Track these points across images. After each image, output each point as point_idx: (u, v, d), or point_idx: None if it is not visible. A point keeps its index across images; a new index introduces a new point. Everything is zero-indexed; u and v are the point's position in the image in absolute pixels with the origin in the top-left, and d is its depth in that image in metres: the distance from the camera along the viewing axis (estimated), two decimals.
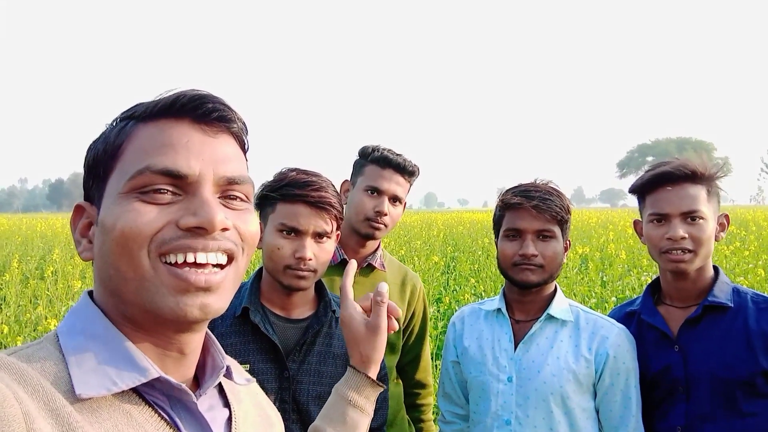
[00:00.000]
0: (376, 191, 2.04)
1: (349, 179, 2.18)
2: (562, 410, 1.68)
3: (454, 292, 8.99)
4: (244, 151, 0.82)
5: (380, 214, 2.02)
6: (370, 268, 2.13)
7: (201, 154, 0.73)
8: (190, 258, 0.70)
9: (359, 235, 2.08)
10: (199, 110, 0.75)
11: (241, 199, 0.77)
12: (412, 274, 2.25)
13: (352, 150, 2.18)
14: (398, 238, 15.95)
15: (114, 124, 0.78)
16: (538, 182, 1.81)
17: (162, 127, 0.74)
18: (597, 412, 1.72)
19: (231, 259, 0.74)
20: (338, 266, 2.07)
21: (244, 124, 0.81)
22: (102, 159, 0.75)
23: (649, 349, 1.77)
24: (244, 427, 0.84)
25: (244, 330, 1.55)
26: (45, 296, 7.77)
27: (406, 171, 2.07)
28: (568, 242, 1.82)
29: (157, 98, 0.76)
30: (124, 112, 0.78)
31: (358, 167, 2.13)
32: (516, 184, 1.82)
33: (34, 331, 6.25)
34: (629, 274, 9.27)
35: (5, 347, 5.34)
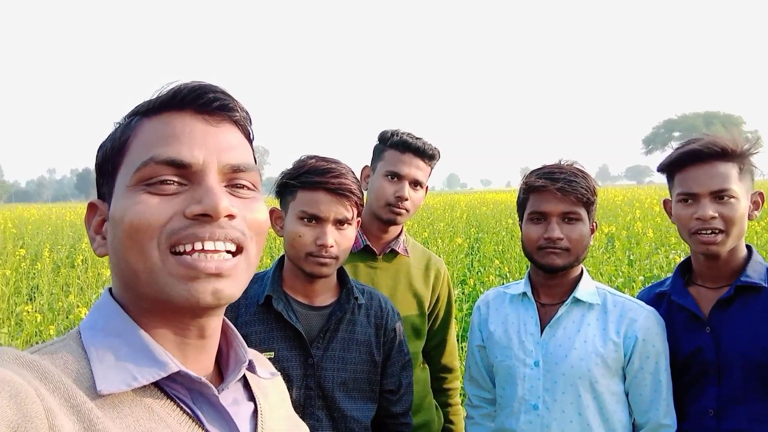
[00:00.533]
0: (396, 176, 2.02)
1: (369, 165, 2.16)
2: (591, 394, 1.65)
3: (479, 274, 8.95)
4: (249, 141, 0.82)
5: (401, 199, 2.00)
6: (394, 253, 2.11)
7: (204, 143, 0.74)
8: (198, 246, 0.70)
9: (381, 221, 2.06)
10: (200, 100, 0.75)
11: (248, 188, 0.77)
12: (436, 259, 2.24)
13: (373, 135, 2.16)
14: (421, 220, 15.91)
15: (120, 122, 0.79)
16: (562, 163, 1.77)
17: (165, 119, 0.75)
18: (627, 395, 1.70)
19: (240, 248, 0.74)
20: (361, 252, 2.07)
21: (246, 113, 0.81)
22: (110, 156, 0.77)
23: (679, 331, 1.73)
24: (270, 420, 0.84)
25: (268, 318, 1.56)
26: (76, 284, 7.92)
27: (426, 154, 2.05)
28: (594, 224, 1.78)
29: (159, 92, 0.76)
30: (131, 110, 0.79)
31: (377, 152, 2.11)
32: (540, 166, 1.79)
33: (66, 318, 6.38)
34: (657, 252, 9.14)
35: (40, 335, 5.48)
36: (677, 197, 1.72)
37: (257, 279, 1.65)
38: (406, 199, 2.01)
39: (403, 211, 2.02)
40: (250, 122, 0.82)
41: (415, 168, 2.03)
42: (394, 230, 2.12)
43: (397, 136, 2.04)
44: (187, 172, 0.72)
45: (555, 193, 1.67)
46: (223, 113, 0.77)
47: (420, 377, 2.12)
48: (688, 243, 1.73)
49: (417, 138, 2.04)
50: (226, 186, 0.75)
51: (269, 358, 1.50)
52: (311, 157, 1.61)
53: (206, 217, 0.70)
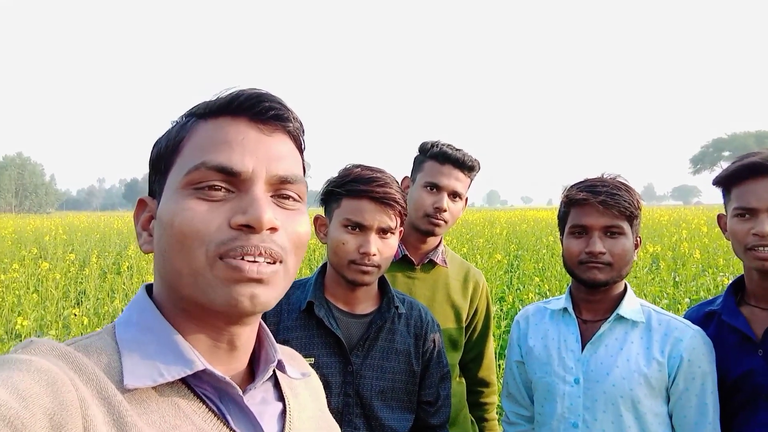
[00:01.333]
0: (435, 187, 2.02)
1: (409, 176, 2.16)
2: (633, 415, 1.61)
3: (518, 291, 8.84)
4: (301, 151, 0.83)
5: (439, 210, 2.00)
6: (432, 264, 2.11)
7: (256, 151, 0.74)
8: (240, 257, 0.71)
9: (419, 232, 2.06)
10: (256, 108, 0.76)
11: (294, 199, 0.78)
12: (475, 271, 2.22)
13: (415, 148, 2.16)
14: (461, 236, 15.83)
15: (177, 121, 0.81)
16: (605, 177, 1.74)
17: (219, 124, 0.76)
18: (671, 417, 1.64)
19: (277, 261, 0.75)
20: (400, 262, 2.07)
21: (300, 123, 0.81)
22: (164, 154, 0.78)
23: (729, 353, 1.66)
24: (299, 420, 0.84)
25: (309, 324, 1.58)
26: (121, 290, 8.14)
27: (466, 166, 2.04)
28: (638, 239, 1.74)
29: (216, 96, 0.78)
30: (188, 110, 0.81)
31: (417, 163, 2.12)
32: (582, 179, 1.76)
33: (111, 323, 6.56)
34: (704, 274, 8.88)
35: None
36: (733, 211, 1.66)
37: (299, 285, 1.67)
38: (445, 210, 2.01)
39: (442, 222, 2.02)
40: (303, 133, 0.83)
41: (455, 179, 2.02)
42: (432, 241, 2.12)
43: (436, 147, 2.04)
44: (235, 180, 0.73)
45: (597, 206, 1.64)
46: (278, 123, 0.78)
47: (456, 390, 2.10)
48: (742, 259, 1.67)
49: (457, 149, 2.04)
50: (272, 195, 0.75)
51: (309, 364, 1.52)
52: (357, 166, 1.62)
53: (249, 228, 0.71)
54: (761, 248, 1.59)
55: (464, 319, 2.12)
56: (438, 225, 2.02)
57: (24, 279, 8.17)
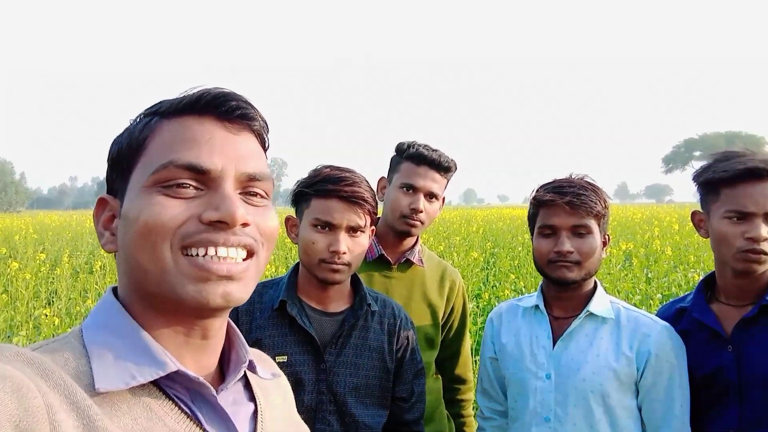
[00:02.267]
0: (411, 188, 2.03)
1: (385, 176, 2.17)
2: (603, 408, 1.64)
3: (494, 288, 8.91)
4: (265, 149, 0.84)
5: (416, 211, 2.01)
6: (408, 263, 2.12)
7: (223, 150, 0.75)
8: (211, 251, 0.71)
9: (396, 232, 2.07)
10: (223, 107, 0.76)
11: (261, 196, 0.79)
12: (451, 270, 2.24)
13: (391, 147, 2.17)
14: (437, 234, 15.89)
15: (138, 119, 0.80)
16: (572, 177, 1.77)
17: (186, 123, 0.76)
18: (640, 411, 1.68)
19: (251, 254, 0.76)
20: (376, 262, 2.09)
21: (265, 122, 0.82)
22: (126, 153, 0.77)
23: (699, 349, 1.69)
24: (270, 420, 0.84)
25: (282, 323, 1.58)
26: (94, 290, 8.02)
27: (442, 167, 2.05)
28: (606, 237, 1.77)
29: (182, 95, 0.77)
30: (148, 108, 0.80)
31: (393, 164, 2.13)
32: (550, 180, 1.79)
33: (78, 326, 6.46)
34: (675, 270, 9.04)
35: None
36: (725, 213, 1.64)
37: (272, 284, 1.67)
38: (421, 212, 2.02)
39: (418, 222, 2.03)
40: (268, 131, 0.84)
41: (431, 180, 2.03)
42: (409, 241, 2.13)
43: (413, 148, 2.05)
44: (204, 178, 0.73)
45: (564, 206, 1.67)
46: (244, 122, 0.78)
47: (432, 387, 2.11)
48: (725, 259, 1.66)
49: (433, 150, 2.05)
50: (240, 193, 0.76)
51: (282, 362, 1.52)
52: (326, 167, 1.64)
53: (222, 224, 0.71)
54: (753, 252, 1.59)
55: (440, 318, 2.14)
56: (414, 226, 2.03)
57: None
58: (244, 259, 0.74)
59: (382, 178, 2.18)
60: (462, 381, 2.29)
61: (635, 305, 6.59)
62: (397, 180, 2.07)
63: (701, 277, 1.84)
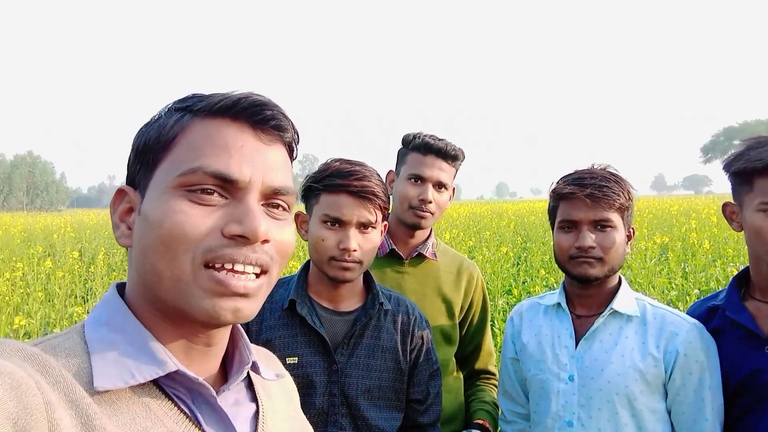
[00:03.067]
0: (419, 179, 1.99)
1: (393, 169, 2.14)
2: (629, 412, 1.56)
3: (525, 284, 8.78)
4: (292, 159, 0.83)
5: (424, 202, 1.97)
6: (421, 258, 2.08)
7: (253, 160, 0.74)
8: (228, 265, 0.71)
9: (406, 225, 2.04)
10: (258, 116, 0.76)
11: (283, 208, 0.78)
12: (468, 263, 2.18)
13: None
14: (467, 228, 15.78)
15: (169, 112, 0.78)
16: (594, 168, 1.69)
17: (218, 126, 0.74)
18: (670, 414, 1.59)
19: (264, 272, 0.75)
20: (388, 257, 2.05)
21: (297, 134, 0.82)
22: (153, 147, 0.75)
23: (734, 351, 1.58)
24: (272, 422, 0.83)
25: (292, 323, 1.55)
26: None
27: (449, 155, 2.01)
28: (631, 231, 1.69)
29: (217, 95, 0.76)
30: (180, 101, 0.78)
31: (400, 156, 2.09)
32: (571, 171, 1.71)
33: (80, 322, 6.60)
34: (713, 264, 8.77)
35: None
36: (759, 205, 1.52)
37: (283, 283, 1.64)
38: (430, 202, 1.98)
39: (428, 214, 1.99)
40: (298, 143, 0.83)
41: (438, 170, 1.99)
42: (421, 234, 2.09)
43: (418, 138, 2.02)
44: (231, 187, 0.72)
45: (584, 200, 1.60)
46: (276, 132, 0.78)
47: (453, 386, 2.06)
48: (761, 254, 1.56)
49: (439, 139, 2.01)
50: (263, 204, 0.75)
51: (292, 364, 1.48)
52: (336, 160, 1.59)
53: (243, 239, 0.71)
54: None
55: (458, 313, 2.08)
56: (424, 217, 1.99)
57: (31, 277, 8.21)
58: (257, 276, 0.74)
59: (390, 171, 2.14)
60: (486, 373, 2.22)
61: (671, 301, 6.48)
62: (404, 172, 2.03)
63: (737, 272, 1.73)
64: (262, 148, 0.75)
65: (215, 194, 0.71)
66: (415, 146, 2.01)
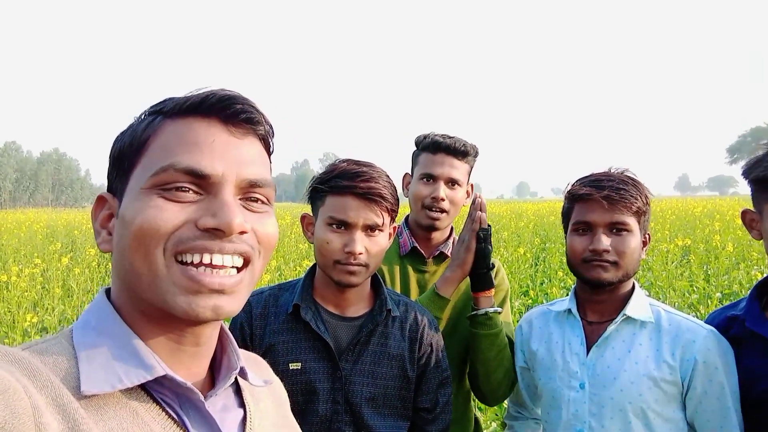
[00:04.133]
0: (430, 177, 1.98)
1: (409, 172, 2.13)
2: (642, 422, 1.51)
3: (542, 285, 8.68)
4: (269, 154, 0.82)
5: (436, 199, 1.95)
6: (443, 257, 2.05)
7: (225, 155, 0.73)
8: (206, 259, 0.70)
9: (422, 227, 2.02)
10: (228, 110, 0.75)
11: (262, 202, 0.78)
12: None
13: None
14: None
15: (142, 117, 0.78)
16: (612, 171, 1.65)
17: (189, 124, 0.74)
18: (690, 425, 1.53)
19: (247, 262, 0.74)
20: (410, 255, 2.04)
21: (271, 126, 0.81)
22: (127, 152, 0.75)
23: (754, 363, 1.51)
24: (260, 427, 0.83)
25: (296, 328, 1.51)
26: None
27: (459, 152, 1.98)
28: (647, 236, 1.65)
29: (187, 95, 0.76)
30: (153, 106, 0.78)
31: (414, 158, 2.09)
32: (587, 174, 1.67)
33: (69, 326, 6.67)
34: (737, 267, 8.58)
35: None
36: None
37: (288, 287, 1.60)
38: (443, 200, 1.95)
39: (441, 212, 1.97)
40: (273, 136, 0.83)
41: (449, 167, 1.97)
42: (441, 233, 2.07)
43: (428, 138, 2.01)
44: (204, 183, 0.72)
45: (601, 202, 1.55)
46: (248, 126, 0.77)
47: (464, 388, 2.01)
48: None
49: (449, 137, 1.99)
50: (240, 198, 0.75)
51: (296, 370, 1.45)
52: (344, 161, 1.56)
53: (218, 232, 0.70)
54: None
55: None
56: (437, 217, 1.97)
57: (50, 273, 8.31)
58: (239, 270, 0.73)
59: (407, 174, 2.14)
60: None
61: (692, 304, 6.35)
62: (417, 172, 2.03)
63: (757, 281, 1.65)
64: (234, 142, 0.75)
65: (190, 192, 0.71)
66: (425, 146, 2.01)
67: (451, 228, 2.11)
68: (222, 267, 0.71)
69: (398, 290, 1.97)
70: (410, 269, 2.02)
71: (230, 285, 0.71)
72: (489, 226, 1.85)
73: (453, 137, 2.00)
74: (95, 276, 8.61)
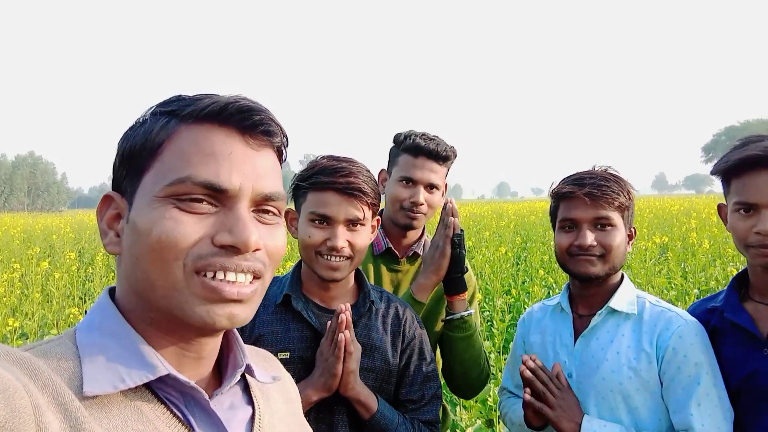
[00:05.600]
0: (410, 181, 1.98)
1: (385, 168, 2.13)
2: (625, 409, 1.55)
3: (524, 284, 8.76)
4: (281, 162, 0.82)
5: (416, 204, 1.97)
6: (416, 256, 2.08)
7: (242, 167, 0.73)
8: (220, 275, 0.70)
9: (399, 226, 2.03)
10: (247, 122, 0.74)
11: (273, 213, 0.78)
12: None
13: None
14: (467, 228, 15.76)
15: (154, 116, 0.76)
16: (595, 168, 1.70)
17: (206, 133, 0.73)
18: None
19: (257, 278, 0.75)
20: (384, 255, 2.06)
21: (286, 137, 0.80)
22: (139, 153, 0.74)
23: (733, 353, 1.55)
24: (269, 425, 0.83)
25: (285, 318, 1.54)
26: None
27: (440, 157, 1.99)
28: (632, 230, 1.70)
29: (204, 100, 0.74)
30: (164, 104, 0.77)
31: (392, 156, 2.08)
32: (571, 173, 1.72)
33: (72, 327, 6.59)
34: (713, 264, 8.76)
35: None
36: (734, 206, 1.55)
37: (276, 282, 1.63)
38: (422, 204, 1.98)
39: (420, 215, 1.99)
40: (287, 146, 0.82)
41: (429, 171, 1.98)
42: (414, 233, 2.09)
43: (410, 139, 1.99)
44: (221, 196, 0.71)
45: (583, 198, 1.60)
46: (266, 137, 0.76)
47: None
48: (744, 255, 1.58)
49: (430, 139, 1.99)
50: (253, 210, 0.75)
51: (284, 359, 1.47)
52: (324, 157, 1.58)
53: (234, 249, 0.70)
54: (764, 247, 1.48)
55: None
56: (415, 218, 1.99)
57: (29, 278, 8.20)
58: (251, 282, 0.74)
59: (383, 170, 2.13)
60: None
61: (670, 301, 6.45)
62: (396, 173, 2.02)
63: (736, 273, 1.72)
64: (251, 154, 0.74)
65: (204, 202, 0.71)
66: (406, 148, 2.00)
67: (423, 228, 2.13)
68: (236, 281, 0.72)
69: None
70: (384, 268, 2.05)
71: (247, 294, 0.72)
72: (462, 230, 1.87)
73: (434, 139, 2.00)
74: (75, 281, 8.50)
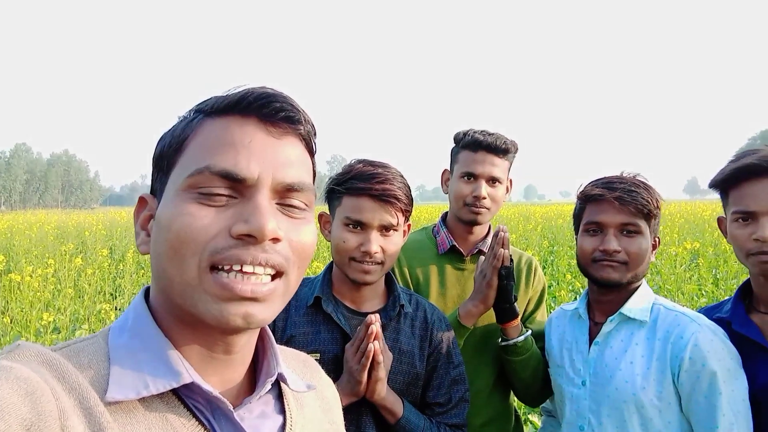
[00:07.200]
0: (471, 176, 1.99)
1: (448, 168, 2.14)
2: (639, 420, 1.53)
3: (551, 288, 8.66)
4: (312, 154, 0.79)
5: (478, 198, 1.97)
6: (481, 254, 2.05)
7: (262, 156, 0.70)
8: (236, 268, 0.68)
9: (463, 222, 2.04)
10: (266, 109, 0.72)
11: (300, 208, 0.74)
12: (527, 256, 2.17)
13: (451, 139, 2.14)
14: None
15: (184, 117, 0.77)
16: (624, 174, 1.68)
17: (227, 124, 0.72)
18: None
19: (279, 274, 0.71)
20: (449, 254, 2.05)
21: (312, 126, 0.77)
22: (167, 152, 0.74)
23: (745, 365, 1.51)
24: None
25: (316, 320, 1.56)
26: None
27: (500, 150, 1.99)
28: (656, 240, 1.67)
29: (226, 93, 0.74)
30: (197, 104, 0.77)
31: (453, 155, 2.10)
32: (600, 177, 1.70)
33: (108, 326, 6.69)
34: (745, 271, 8.51)
35: None
36: (732, 216, 1.55)
37: (307, 283, 1.65)
38: (484, 198, 1.97)
39: (483, 209, 1.98)
40: (315, 135, 0.79)
41: (490, 165, 1.98)
42: (479, 230, 2.08)
43: (468, 135, 2.01)
44: (239, 186, 0.69)
45: (612, 202, 1.59)
46: (288, 125, 0.73)
47: (499, 386, 2.00)
48: (745, 265, 1.56)
49: (489, 134, 2.00)
50: (277, 203, 0.72)
51: (315, 360, 1.48)
52: (359, 162, 1.60)
53: (251, 238, 0.67)
54: (764, 254, 1.47)
55: (522, 309, 2.04)
56: (479, 213, 1.99)
57: (62, 274, 8.38)
58: (273, 277, 0.70)
59: (445, 170, 2.15)
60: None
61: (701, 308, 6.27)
62: (457, 170, 2.04)
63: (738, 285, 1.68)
64: (272, 142, 0.72)
65: (225, 194, 0.69)
66: (466, 144, 2.01)
67: (489, 225, 2.11)
68: (253, 273, 0.68)
69: (435, 288, 1.99)
70: (448, 267, 2.04)
71: (263, 293, 0.68)
72: (512, 261, 1.84)
73: (493, 134, 2.00)
74: (107, 277, 8.67)
